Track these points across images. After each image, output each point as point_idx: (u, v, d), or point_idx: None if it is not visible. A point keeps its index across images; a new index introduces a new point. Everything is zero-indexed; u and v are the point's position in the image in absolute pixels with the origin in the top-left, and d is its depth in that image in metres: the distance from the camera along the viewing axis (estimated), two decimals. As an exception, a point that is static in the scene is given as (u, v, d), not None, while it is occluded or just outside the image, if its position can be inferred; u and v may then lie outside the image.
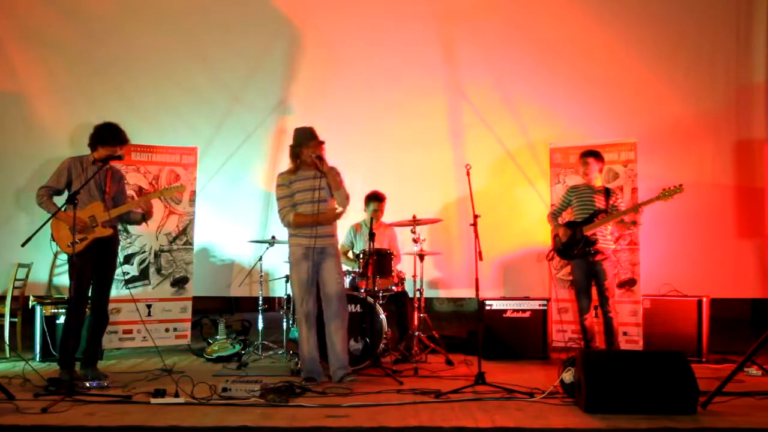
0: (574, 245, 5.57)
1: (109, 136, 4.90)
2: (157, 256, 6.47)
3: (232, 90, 7.03)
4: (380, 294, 5.74)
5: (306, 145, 4.93)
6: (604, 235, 5.59)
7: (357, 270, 5.81)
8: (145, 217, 5.15)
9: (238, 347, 6.02)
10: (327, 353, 4.98)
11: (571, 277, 6.42)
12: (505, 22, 7.06)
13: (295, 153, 4.99)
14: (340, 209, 4.98)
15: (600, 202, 5.57)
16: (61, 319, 5.78)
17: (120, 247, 5.28)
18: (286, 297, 6.04)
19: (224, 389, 4.32)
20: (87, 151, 5.00)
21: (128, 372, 5.39)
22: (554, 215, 5.89)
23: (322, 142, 4.97)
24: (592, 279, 5.61)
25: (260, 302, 6.20)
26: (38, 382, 4.70)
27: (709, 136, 6.84)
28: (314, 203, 4.89)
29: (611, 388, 4.02)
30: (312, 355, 4.93)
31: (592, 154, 5.69)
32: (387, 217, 6.37)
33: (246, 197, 7.05)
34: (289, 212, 4.94)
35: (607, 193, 5.62)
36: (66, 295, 6.02)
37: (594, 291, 5.65)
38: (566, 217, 5.82)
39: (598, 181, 5.72)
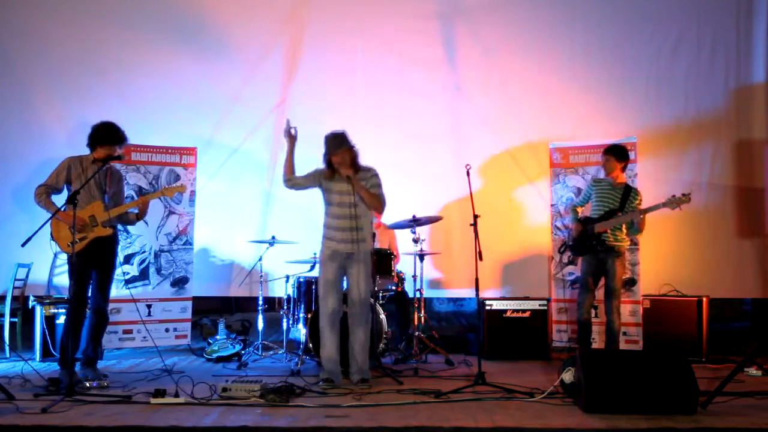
0: (585, 241, 5.54)
1: (106, 135, 4.90)
2: (157, 256, 6.47)
3: (232, 90, 7.02)
4: (380, 294, 5.74)
5: (333, 153, 4.87)
6: (617, 234, 5.49)
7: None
8: (139, 217, 5.16)
9: (238, 347, 6.03)
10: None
11: (571, 277, 6.44)
12: (505, 22, 7.05)
13: (328, 162, 4.93)
14: None
15: (616, 201, 5.50)
16: (61, 319, 5.78)
17: (120, 247, 5.27)
18: (286, 297, 6.04)
19: (224, 389, 4.32)
20: (86, 150, 4.99)
21: (128, 372, 5.40)
22: (573, 208, 5.86)
23: (348, 148, 4.88)
24: (599, 277, 5.58)
25: (260, 302, 6.20)
26: (38, 382, 4.71)
27: (709, 136, 6.84)
28: (350, 207, 4.87)
29: (611, 388, 4.02)
30: (332, 356, 4.91)
31: (611, 149, 5.60)
32: (387, 217, 6.37)
33: (246, 197, 7.04)
34: (291, 174, 5.01)
35: (626, 191, 5.53)
36: (66, 295, 6.03)
37: (598, 290, 5.64)
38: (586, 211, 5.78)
39: (620, 177, 5.61)
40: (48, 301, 6.02)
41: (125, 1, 7.02)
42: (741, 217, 6.72)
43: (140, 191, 6.34)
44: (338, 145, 4.88)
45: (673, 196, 5.28)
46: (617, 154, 5.58)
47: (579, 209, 5.81)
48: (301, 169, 5.00)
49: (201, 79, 6.99)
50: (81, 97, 6.80)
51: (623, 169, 5.64)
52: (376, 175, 5.00)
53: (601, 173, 5.84)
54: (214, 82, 7.00)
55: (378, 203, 4.99)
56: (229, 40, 7.04)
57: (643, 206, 5.48)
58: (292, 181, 5.03)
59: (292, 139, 5.03)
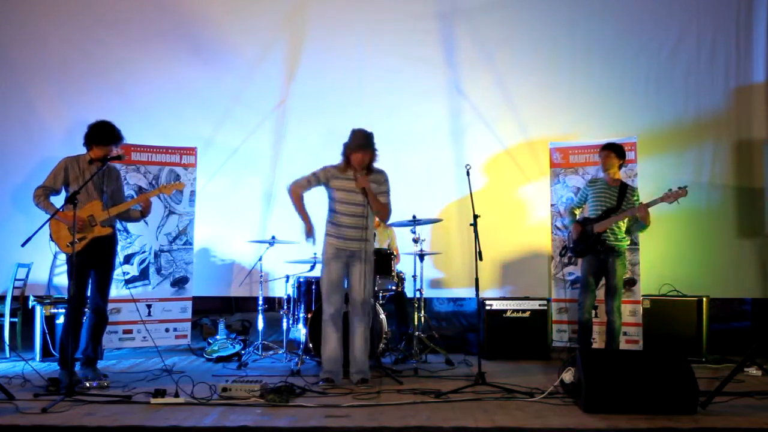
0: (585, 242, 5.55)
1: (102, 134, 4.87)
2: (157, 256, 6.47)
3: (232, 90, 7.02)
4: (380, 294, 5.74)
5: (357, 150, 4.84)
6: (617, 233, 5.50)
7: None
8: (143, 214, 5.15)
9: (238, 347, 6.03)
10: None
11: (571, 277, 6.44)
12: (505, 22, 7.05)
13: (345, 154, 4.92)
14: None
15: (613, 200, 5.52)
16: (61, 319, 5.78)
17: (120, 247, 5.27)
18: (286, 297, 6.04)
19: (224, 389, 4.32)
20: (85, 150, 4.98)
21: (128, 372, 5.40)
22: (570, 210, 5.86)
23: (370, 152, 4.88)
24: (600, 276, 5.58)
25: (260, 302, 6.20)
26: (38, 382, 4.71)
27: (709, 136, 6.85)
28: (363, 207, 4.88)
29: (611, 388, 4.02)
30: (333, 355, 4.90)
31: (612, 146, 5.61)
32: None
33: (246, 197, 7.04)
34: (296, 183, 5.01)
35: (622, 189, 5.54)
36: (66, 295, 6.03)
37: (598, 290, 5.64)
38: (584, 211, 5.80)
39: (617, 176, 5.63)
40: (48, 301, 6.02)
41: (125, 1, 7.02)
42: (741, 217, 6.73)
43: (140, 191, 6.34)
44: (365, 145, 4.86)
45: (670, 189, 5.28)
46: (617, 150, 5.60)
47: (576, 211, 5.82)
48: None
49: (201, 79, 6.99)
50: (81, 97, 6.80)
51: (620, 168, 5.67)
52: (387, 181, 5.01)
53: (601, 173, 5.83)
54: (214, 82, 7.00)
55: (385, 212, 5.01)
56: (229, 40, 7.04)
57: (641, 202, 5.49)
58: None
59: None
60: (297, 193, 5.00)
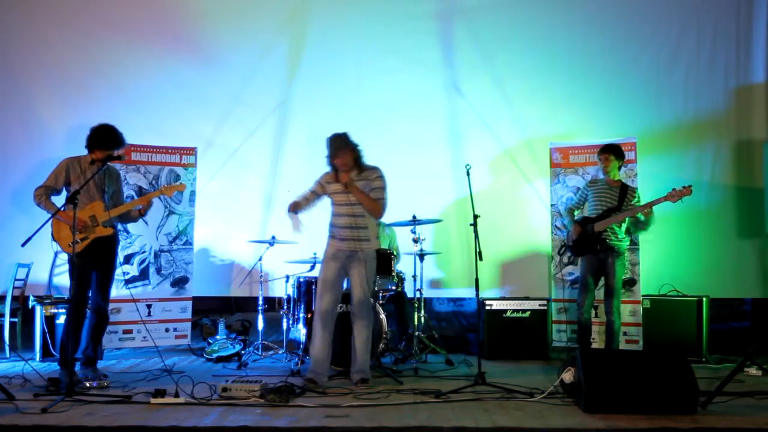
0: (584, 241, 5.55)
1: (105, 138, 4.86)
2: (157, 256, 6.47)
3: (232, 90, 7.03)
4: (380, 294, 5.74)
5: (335, 156, 4.89)
6: (617, 233, 5.51)
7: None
8: (142, 213, 5.14)
9: (238, 347, 6.03)
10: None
11: (571, 277, 6.44)
12: (504, 22, 7.06)
13: (330, 164, 4.96)
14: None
15: (614, 200, 5.52)
16: (61, 319, 5.78)
17: (120, 247, 5.27)
18: (286, 297, 6.04)
19: (224, 389, 4.33)
20: (85, 151, 4.98)
21: (128, 372, 5.40)
22: (570, 210, 5.86)
23: (350, 150, 4.88)
24: (599, 276, 5.58)
25: (260, 302, 6.20)
26: (38, 382, 4.72)
27: (709, 136, 6.85)
28: (351, 206, 4.91)
29: (611, 388, 4.02)
30: (318, 355, 4.89)
31: (611, 148, 5.61)
32: (387, 217, 6.36)
33: (246, 197, 7.05)
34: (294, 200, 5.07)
35: (623, 190, 5.54)
36: (66, 295, 6.03)
37: (598, 290, 5.64)
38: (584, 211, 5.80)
39: (617, 177, 5.64)
40: (48, 301, 6.02)
41: (125, 1, 7.03)
42: (741, 217, 6.73)
43: (140, 191, 6.34)
44: (339, 147, 4.87)
45: (674, 189, 5.29)
46: (617, 152, 5.60)
47: (575, 211, 5.82)
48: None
49: (201, 79, 7.00)
50: (81, 97, 6.81)
51: (619, 168, 5.68)
52: (380, 177, 4.98)
53: (601, 173, 5.84)
54: (214, 82, 7.01)
55: (376, 208, 4.95)
56: (229, 40, 7.05)
57: (642, 203, 5.49)
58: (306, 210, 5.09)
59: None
60: (293, 209, 5.03)
